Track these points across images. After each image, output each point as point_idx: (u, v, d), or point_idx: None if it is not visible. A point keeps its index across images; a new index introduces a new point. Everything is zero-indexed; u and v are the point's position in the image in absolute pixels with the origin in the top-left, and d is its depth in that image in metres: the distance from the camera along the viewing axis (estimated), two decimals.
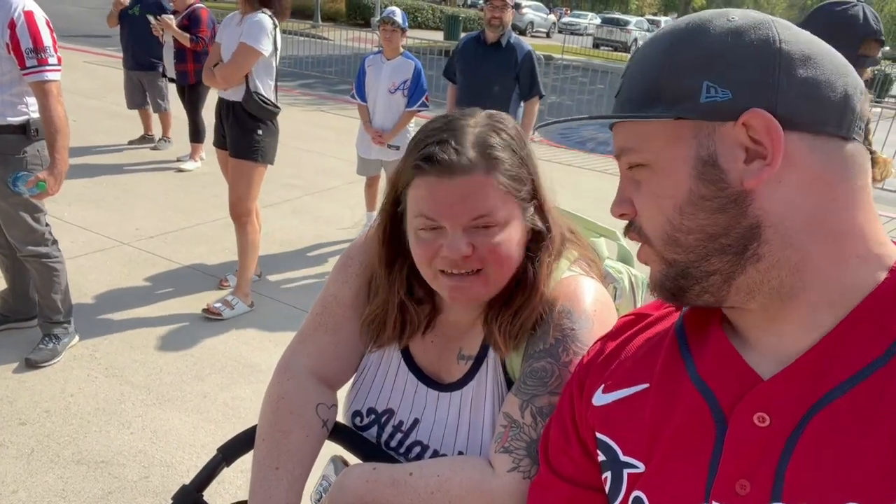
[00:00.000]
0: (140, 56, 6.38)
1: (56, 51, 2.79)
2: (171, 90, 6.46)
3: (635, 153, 0.70)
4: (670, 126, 0.66)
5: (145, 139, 6.80)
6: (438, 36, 20.07)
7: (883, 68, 17.74)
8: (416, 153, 0.97)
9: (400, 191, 1.01)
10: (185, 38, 5.71)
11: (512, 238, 0.97)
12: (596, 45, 27.77)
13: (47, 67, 2.74)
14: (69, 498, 2.36)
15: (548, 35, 31.89)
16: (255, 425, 1.09)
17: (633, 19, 32.32)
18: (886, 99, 17.30)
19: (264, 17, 3.57)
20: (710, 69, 0.64)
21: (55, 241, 3.11)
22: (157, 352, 3.31)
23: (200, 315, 3.68)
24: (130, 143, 6.73)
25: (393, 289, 1.08)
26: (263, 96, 3.69)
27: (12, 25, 2.67)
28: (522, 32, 29.12)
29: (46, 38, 2.75)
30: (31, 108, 2.85)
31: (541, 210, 1.04)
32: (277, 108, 3.78)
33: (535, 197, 1.03)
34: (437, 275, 0.99)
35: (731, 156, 0.64)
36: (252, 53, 3.55)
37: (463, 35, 5.41)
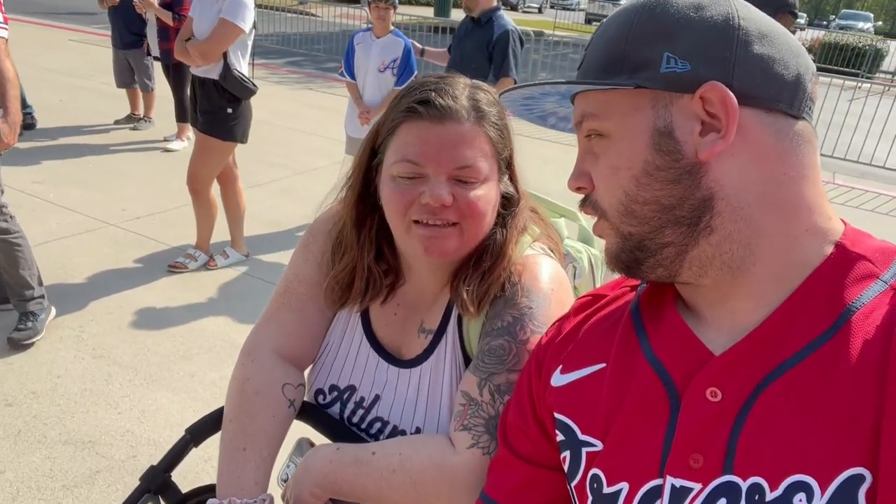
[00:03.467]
0: (125, 33, 6.32)
1: (2, 10, 2.80)
2: (157, 69, 6.39)
3: (596, 119, 0.70)
4: (630, 95, 0.67)
5: (132, 119, 6.73)
6: (428, 12, 19.83)
7: (874, 43, 17.68)
8: (409, 99, 0.98)
9: (380, 142, 1.02)
10: (167, 16, 5.64)
11: (489, 196, 1.00)
12: (588, 21, 27.47)
13: None
14: (57, 477, 2.37)
15: (539, 10, 31.56)
16: (223, 406, 1.10)
17: None
18: (878, 75, 17.26)
19: None
20: (670, 41, 0.65)
21: (13, 217, 3.07)
22: (144, 332, 3.31)
23: (188, 295, 3.69)
24: (116, 122, 6.66)
25: (362, 251, 1.08)
26: (242, 74, 3.67)
27: None
28: (514, 8, 28.80)
29: None
30: None
31: (513, 180, 1.07)
32: (255, 86, 3.76)
33: (510, 166, 1.06)
34: (411, 226, 0.98)
35: (686, 128, 0.65)
36: (233, 30, 3.52)
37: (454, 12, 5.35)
